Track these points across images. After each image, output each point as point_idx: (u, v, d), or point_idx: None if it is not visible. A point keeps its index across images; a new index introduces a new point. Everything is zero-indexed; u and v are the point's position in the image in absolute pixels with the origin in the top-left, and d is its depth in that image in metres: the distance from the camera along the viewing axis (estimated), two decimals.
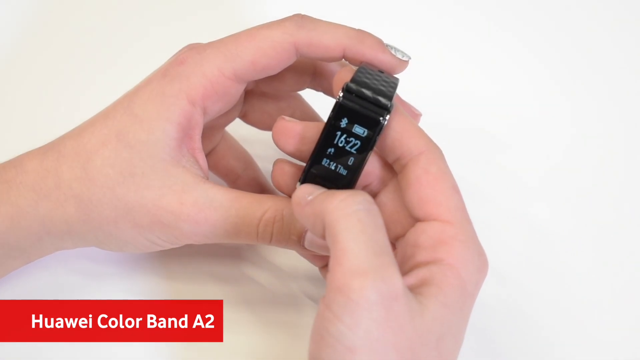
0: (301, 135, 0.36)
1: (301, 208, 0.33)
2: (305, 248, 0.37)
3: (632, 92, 0.55)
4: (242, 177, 0.46)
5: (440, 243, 0.33)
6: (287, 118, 0.37)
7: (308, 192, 0.33)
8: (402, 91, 0.38)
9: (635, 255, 0.47)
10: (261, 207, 0.37)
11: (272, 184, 0.40)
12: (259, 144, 0.50)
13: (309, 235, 0.36)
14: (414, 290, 0.32)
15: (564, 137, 0.52)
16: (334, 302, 0.30)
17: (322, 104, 0.44)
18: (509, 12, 0.59)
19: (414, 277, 0.32)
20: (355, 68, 0.36)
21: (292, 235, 0.37)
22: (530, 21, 0.59)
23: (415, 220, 0.34)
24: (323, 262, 0.40)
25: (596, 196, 0.49)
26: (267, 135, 0.46)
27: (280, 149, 0.37)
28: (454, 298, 0.32)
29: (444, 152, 0.36)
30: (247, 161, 0.46)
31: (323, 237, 0.32)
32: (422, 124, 0.39)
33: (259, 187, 0.46)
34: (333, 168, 0.34)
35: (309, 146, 0.35)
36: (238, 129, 0.46)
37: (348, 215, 0.31)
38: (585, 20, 0.59)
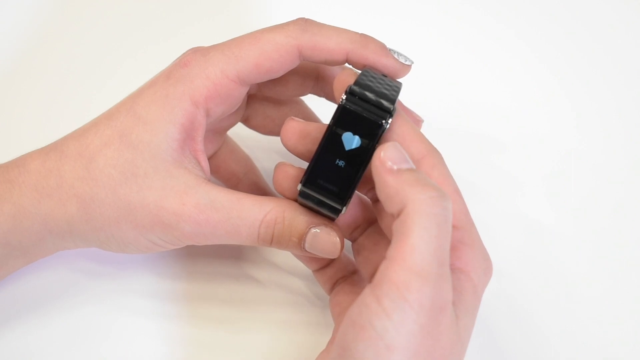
0: (311, 135, 0.36)
1: (389, 174, 0.32)
2: (305, 250, 0.37)
3: (634, 95, 0.55)
4: (243, 181, 0.46)
5: None
6: (297, 119, 0.37)
7: (400, 158, 0.32)
8: (405, 93, 0.38)
9: (635, 255, 0.47)
10: (262, 208, 0.37)
11: (273, 188, 0.41)
12: (260, 149, 0.50)
13: (309, 238, 0.37)
14: None
15: (566, 139, 0.52)
16: (387, 297, 0.30)
17: (324, 110, 0.45)
18: (510, 14, 0.59)
19: None
20: (356, 71, 0.37)
21: (293, 237, 0.37)
22: (532, 23, 0.59)
23: None
24: (319, 264, 0.40)
25: (597, 199, 0.49)
26: (268, 139, 0.46)
27: (288, 149, 0.37)
28: (470, 302, 0.33)
29: (446, 154, 0.36)
30: (248, 165, 0.46)
31: (390, 216, 0.32)
32: (425, 125, 0.40)
33: (260, 191, 0.46)
34: (335, 170, 0.35)
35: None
36: (240, 133, 0.46)
37: (431, 216, 0.30)
38: (587, 23, 0.59)
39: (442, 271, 0.30)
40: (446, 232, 0.31)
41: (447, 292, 0.31)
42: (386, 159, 0.32)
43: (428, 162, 0.35)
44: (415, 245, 0.30)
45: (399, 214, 0.31)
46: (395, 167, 0.32)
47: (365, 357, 0.30)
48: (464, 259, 0.34)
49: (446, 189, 0.34)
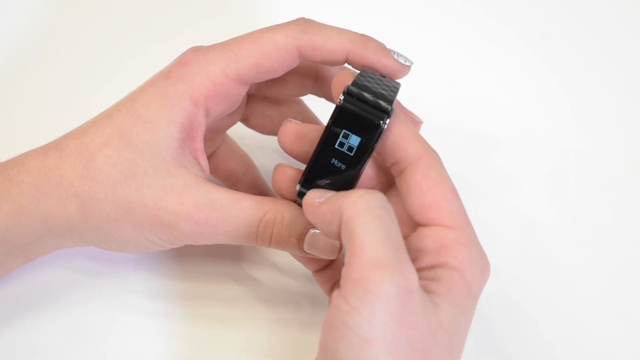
0: (308, 137, 0.36)
1: (315, 208, 0.34)
2: (304, 251, 0.37)
3: (633, 94, 0.55)
4: (242, 180, 0.46)
5: (444, 247, 0.33)
6: (294, 121, 0.37)
7: (319, 195, 0.34)
8: (404, 93, 0.38)
9: (634, 253, 0.47)
10: (261, 209, 0.37)
11: (271, 188, 0.41)
12: (259, 148, 0.50)
13: (308, 239, 0.37)
14: (424, 290, 0.32)
15: (566, 138, 0.52)
16: (352, 294, 0.30)
17: (323, 110, 0.45)
18: (510, 15, 0.59)
19: (421, 279, 0.33)
20: (355, 72, 0.37)
21: (292, 237, 0.37)
22: (531, 23, 0.59)
23: (417, 224, 0.35)
24: (318, 266, 0.40)
25: (596, 198, 0.50)
26: (267, 139, 0.46)
27: (286, 151, 0.37)
28: (461, 299, 0.33)
29: (445, 153, 0.36)
30: (247, 164, 0.47)
31: (337, 235, 0.32)
32: (424, 124, 0.40)
33: (259, 190, 0.46)
34: (332, 170, 0.35)
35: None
36: (239, 132, 0.46)
37: (366, 210, 0.31)
38: (587, 23, 0.59)
39: (397, 256, 0.30)
40: (388, 219, 0.31)
41: (411, 277, 0.30)
42: (310, 200, 0.34)
43: (425, 163, 0.35)
44: (364, 241, 0.30)
45: (342, 225, 0.32)
46: (321, 199, 0.34)
47: (345, 355, 0.30)
48: (459, 258, 0.34)
49: (444, 190, 0.34)
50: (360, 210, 0.31)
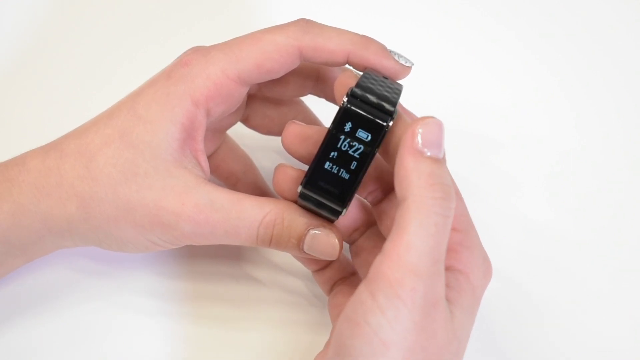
0: (312, 138, 0.36)
1: (410, 154, 0.32)
2: (304, 252, 0.37)
3: (633, 95, 0.55)
4: (242, 180, 0.46)
5: (448, 250, 0.33)
6: (298, 122, 0.37)
7: (431, 141, 0.32)
8: (405, 94, 0.38)
9: (634, 254, 0.47)
10: (262, 209, 0.37)
11: (272, 188, 0.41)
12: (259, 148, 0.50)
13: (308, 240, 0.37)
14: None
15: (565, 139, 0.52)
16: (381, 293, 0.30)
17: (323, 110, 0.45)
18: (510, 15, 0.59)
19: None
20: (357, 73, 0.37)
21: (292, 238, 0.37)
22: (531, 24, 0.59)
23: None
24: (318, 265, 0.40)
25: (596, 199, 0.50)
26: (267, 139, 0.46)
27: (290, 152, 0.37)
28: (468, 303, 0.33)
29: (447, 154, 0.36)
30: (247, 164, 0.46)
31: (398, 195, 0.32)
32: None
33: (259, 190, 0.46)
34: (335, 172, 0.35)
35: None
36: (239, 132, 0.46)
37: (430, 214, 0.31)
38: (587, 23, 0.59)
39: (435, 269, 0.31)
40: (444, 231, 0.31)
41: (440, 289, 0.31)
42: (417, 136, 0.32)
43: None
44: (411, 243, 0.30)
45: (402, 202, 0.31)
46: (419, 148, 0.32)
47: (361, 353, 0.30)
48: (463, 261, 0.34)
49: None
50: (424, 211, 0.31)
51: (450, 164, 0.36)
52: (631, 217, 0.49)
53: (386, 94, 0.34)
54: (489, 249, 0.36)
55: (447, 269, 0.34)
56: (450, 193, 0.31)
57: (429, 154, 0.32)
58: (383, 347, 0.30)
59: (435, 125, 0.32)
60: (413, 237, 0.30)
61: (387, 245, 0.31)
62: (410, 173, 0.31)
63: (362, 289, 0.31)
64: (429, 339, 0.31)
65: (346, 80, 0.36)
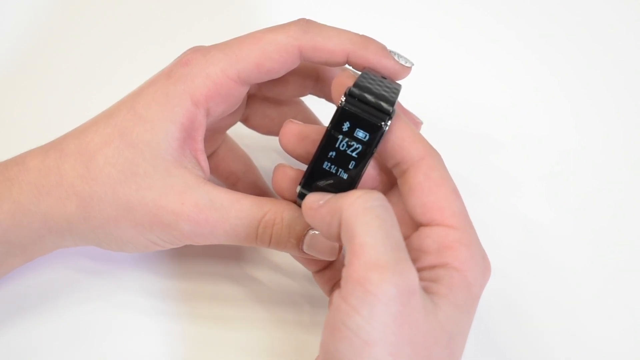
0: (310, 137, 0.36)
1: (314, 211, 0.34)
2: (303, 252, 0.37)
3: (633, 95, 0.55)
4: (241, 180, 0.46)
5: (445, 248, 0.34)
6: (295, 121, 0.37)
7: (319, 197, 0.34)
8: (404, 94, 0.38)
9: (634, 254, 0.47)
10: (261, 209, 0.37)
11: (271, 188, 0.41)
12: (259, 148, 0.50)
13: (307, 239, 0.37)
14: (425, 291, 0.32)
15: (565, 139, 0.52)
16: (352, 295, 0.30)
17: (323, 110, 0.45)
18: (510, 15, 0.59)
19: (422, 280, 0.33)
20: (355, 73, 0.37)
21: (291, 238, 0.37)
22: (531, 24, 0.59)
23: (418, 225, 0.35)
24: (318, 266, 0.40)
25: (596, 199, 0.50)
26: (267, 139, 0.46)
27: (287, 151, 0.37)
28: (462, 299, 0.33)
29: (445, 154, 0.36)
30: (247, 164, 0.47)
31: (337, 237, 0.32)
32: (424, 125, 0.40)
33: (259, 190, 0.46)
34: (334, 172, 0.35)
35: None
36: (239, 132, 0.46)
37: (366, 211, 0.31)
38: (587, 23, 0.59)
39: (397, 256, 0.30)
40: (388, 219, 0.31)
41: (412, 277, 0.30)
42: (309, 202, 0.34)
43: (427, 164, 0.35)
44: (364, 242, 0.30)
45: (341, 227, 0.32)
46: (320, 202, 0.34)
47: (346, 357, 0.30)
48: (460, 258, 0.34)
49: (445, 191, 0.35)
50: (360, 211, 0.31)
51: (450, 164, 0.36)
52: (631, 217, 0.49)
53: (384, 93, 0.34)
54: (489, 249, 0.36)
55: (443, 266, 0.33)
56: (367, 190, 0.33)
57: (321, 202, 0.34)
58: (366, 346, 0.29)
59: (307, 197, 0.35)
60: (363, 236, 0.30)
61: (347, 258, 0.31)
62: (330, 207, 0.33)
63: (335, 296, 0.31)
64: (411, 329, 0.30)
65: (343, 80, 0.36)
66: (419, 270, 0.33)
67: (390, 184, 0.38)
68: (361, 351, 0.29)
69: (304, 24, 0.37)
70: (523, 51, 0.57)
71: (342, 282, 0.31)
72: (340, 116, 0.34)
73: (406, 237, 0.35)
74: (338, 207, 0.32)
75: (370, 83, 0.35)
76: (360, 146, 0.34)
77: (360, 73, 0.36)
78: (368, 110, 0.34)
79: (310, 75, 0.42)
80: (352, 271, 0.30)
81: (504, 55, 0.57)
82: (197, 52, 0.38)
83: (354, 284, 0.30)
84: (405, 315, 0.30)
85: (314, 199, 0.34)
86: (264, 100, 0.44)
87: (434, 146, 0.36)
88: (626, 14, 0.60)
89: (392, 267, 0.30)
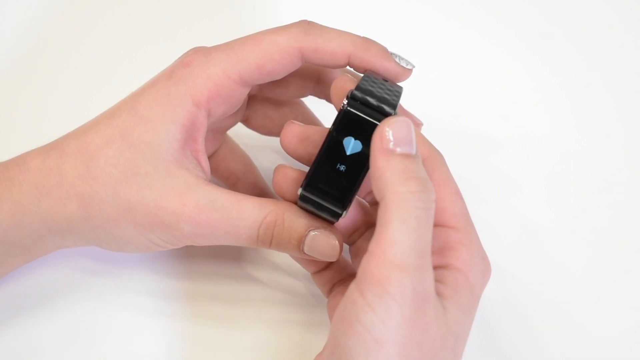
0: (311, 138, 0.37)
1: (381, 153, 0.32)
2: (304, 253, 0.37)
3: (633, 96, 0.55)
4: (242, 180, 0.46)
5: (447, 248, 0.34)
6: (297, 122, 0.37)
7: (401, 139, 0.32)
8: (405, 94, 0.38)
9: (634, 255, 0.47)
10: (262, 210, 0.37)
11: (271, 189, 0.41)
12: (259, 148, 0.50)
13: (308, 241, 0.37)
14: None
15: (565, 140, 0.52)
16: (370, 291, 0.30)
17: (324, 112, 0.45)
18: (510, 15, 0.59)
19: None
20: (357, 75, 0.37)
21: (292, 239, 0.37)
22: (532, 24, 0.59)
23: None
24: (317, 267, 0.40)
25: (596, 199, 0.50)
26: (267, 139, 0.46)
27: (288, 153, 0.37)
28: (466, 300, 0.33)
29: (445, 155, 0.36)
30: (247, 165, 0.47)
31: (376, 196, 0.32)
32: (426, 125, 0.40)
33: (259, 191, 0.46)
34: (336, 173, 0.35)
35: (317, 150, 0.35)
36: (239, 133, 0.46)
37: (409, 208, 0.31)
38: (587, 24, 0.59)
39: (421, 262, 0.31)
40: (426, 224, 0.31)
41: (429, 283, 0.31)
42: (386, 136, 0.32)
43: (429, 164, 0.35)
44: (394, 239, 0.30)
45: (381, 201, 0.31)
46: (390, 147, 0.32)
47: (355, 352, 0.30)
48: (461, 259, 0.34)
49: (448, 191, 0.35)
50: (403, 206, 0.31)
51: (451, 164, 0.36)
52: (631, 217, 0.49)
53: (386, 96, 0.34)
54: (489, 250, 0.36)
55: (446, 266, 0.34)
56: (427, 185, 0.32)
57: (399, 150, 0.32)
58: (377, 344, 0.30)
59: (402, 122, 0.32)
60: (395, 232, 0.30)
61: (372, 245, 0.31)
62: (384, 172, 0.32)
63: (352, 288, 0.31)
64: (422, 333, 0.31)
65: (343, 83, 0.36)
66: None
67: None
68: (371, 349, 0.30)
69: (306, 26, 0.37)
70: (523, 51, 0.57)
71: (360, 273, 0.31)
72: (342, 118, 0.34)
73: None
74: (388, 183, 0.31)
75: (372, 86, 0.35)
76: (362, 148, 0.34)
77: (362, 75, 0.36)
78: (370, 113, 0.34)
79: (311, 77, 0.42)
80: (374, 266, 0.30)
81: (504, 56, 0.57)
82: (199, 53, 0.38)
83: (374, 281, 0.30)
84: (417, 320, 0.30)
85: (398, 136, 0.32)
86: (265, 101, 0.44)
87: (435, 147, 0.36)
88: (626, 14, 0.60)
89: (414, 272, 0.30)
